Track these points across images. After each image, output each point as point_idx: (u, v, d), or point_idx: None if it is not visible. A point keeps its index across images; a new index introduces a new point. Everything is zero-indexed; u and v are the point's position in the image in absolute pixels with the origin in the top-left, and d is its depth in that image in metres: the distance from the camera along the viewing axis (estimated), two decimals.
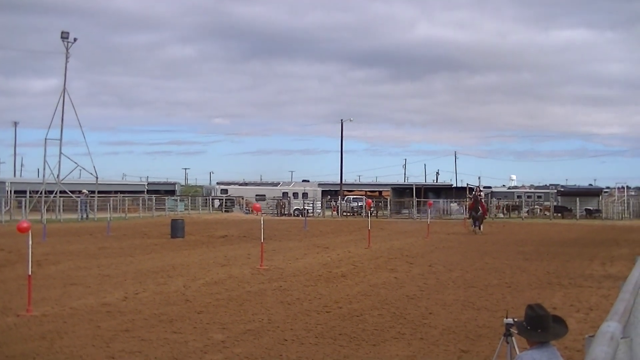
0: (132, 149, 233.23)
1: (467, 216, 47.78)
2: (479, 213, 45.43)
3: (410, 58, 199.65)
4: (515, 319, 6.93)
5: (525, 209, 77.05)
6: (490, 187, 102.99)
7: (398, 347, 12.56)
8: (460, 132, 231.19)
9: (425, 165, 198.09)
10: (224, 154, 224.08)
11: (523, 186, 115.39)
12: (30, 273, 16.15)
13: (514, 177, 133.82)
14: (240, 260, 26.66)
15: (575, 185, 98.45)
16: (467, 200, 62.36)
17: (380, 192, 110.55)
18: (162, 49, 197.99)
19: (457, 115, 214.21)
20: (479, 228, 45.41)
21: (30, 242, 16.40)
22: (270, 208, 79.01)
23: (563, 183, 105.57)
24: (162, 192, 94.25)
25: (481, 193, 47.60)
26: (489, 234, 44.28)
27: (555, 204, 76.94)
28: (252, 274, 22.43)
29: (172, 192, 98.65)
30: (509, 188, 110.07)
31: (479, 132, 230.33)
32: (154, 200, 76.01)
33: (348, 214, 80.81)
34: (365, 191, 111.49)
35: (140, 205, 73.30)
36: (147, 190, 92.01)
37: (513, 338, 8.44)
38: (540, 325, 6.22)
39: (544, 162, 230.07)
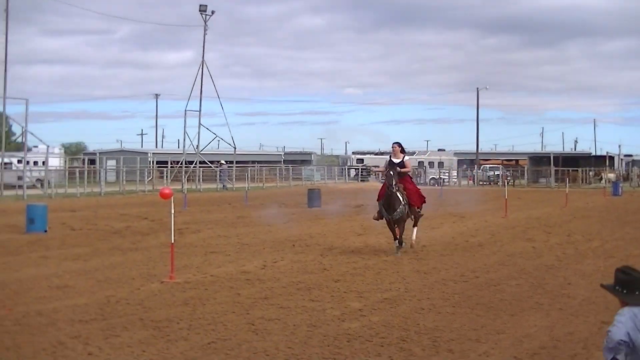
0: (267, 120, 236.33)
1: (376, 215, 21.06)
2: (397, 211, 20.05)
3: (544, 24, 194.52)
4: (603, 284, 6.76)
5: None
6: (631, 155, 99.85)
7: (536, 318, 12.40)
8: (598, 99, 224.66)
9: (562, 133, 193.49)
10: (358, 124, 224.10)
11: None
12: (172, 241, 16.58)
13: None
14: (377, 229, 26.65)
15: None
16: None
17: (517, 160, 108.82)
18: (292, 19, 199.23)
19: (594, 82, 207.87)
20: (399, 241, 20.50)
21: (172, 211, 16.83)
22: None
23: None
24: (298, 161, 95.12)
25: (405, 160, 21.20)
26: (629, 203, 42.92)
27: None
28: (388, 243, 22.44)
29: (308, 162, 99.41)
30: None
31: (617, 99, 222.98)
32: (290, 170, 76.88)
33: (484, 183, 79.99)
34: (502, 160, 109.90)
35: (277, 175, 74.25)
36: (284, 160, 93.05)
37: None
38: (638, 287, 6.12)
39: None
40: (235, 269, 17.47)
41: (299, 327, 11.59)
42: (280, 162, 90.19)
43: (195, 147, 67.16)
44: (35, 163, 61.30)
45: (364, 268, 17.79)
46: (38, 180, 55.53)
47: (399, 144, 21.43)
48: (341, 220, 30.94)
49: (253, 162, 78.63)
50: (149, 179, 62.55)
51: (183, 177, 62.27)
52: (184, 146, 69.54)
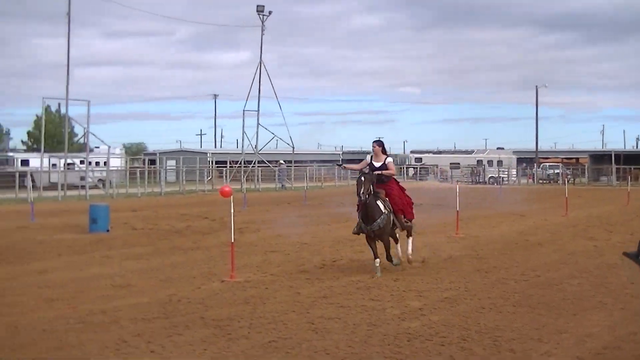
0: (324, 119, 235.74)
1: (355, 229, 17.65)
2: (376, 221, 16.68)
3: (603, 20, 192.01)
4: (626, 252, 6.68)
5: None
6: None
7: (599, 317, 12.28)
8: None
9: (624, 131, 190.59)
10: (415, 123, 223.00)
11: None
12: (232, 240, 16.71)
13: None
14: (436, 228, 26.61)
15: None
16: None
17: (577, 159, 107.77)
18: (347, 19, 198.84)
19: None
20: (388, 256, 17.35)
21: (232, 210, 16.96)
22: (465, 176, 78.55)
23: None
24: (357, 161, 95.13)
25: (387, 163, 17.60)
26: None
27: None
28: (448, 242, 22.40)
29: None
30: None
31: None
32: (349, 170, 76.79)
33: (544, 181, 79.26)
34: (562, 158, 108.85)
35: (336, 174, 74.30)
36: (342, 160, 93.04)
37: None
38: None
39: None
40: (295, 268, 17.55)
41: (359, 326, 11.62)
42: (338, 161, 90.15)
43: (253, 147, 67.60)
44: (97, 163, 62.05)
45: (423, 267, 17.75)
46: (100, 180, 56.27)
47: (380, 143, 17.99)
48: None
49: (311, 161, 78.73)
50: (209, 178, 63.16)
51: (242, 176, 62.66)
52: (242, 146, 70.07)
